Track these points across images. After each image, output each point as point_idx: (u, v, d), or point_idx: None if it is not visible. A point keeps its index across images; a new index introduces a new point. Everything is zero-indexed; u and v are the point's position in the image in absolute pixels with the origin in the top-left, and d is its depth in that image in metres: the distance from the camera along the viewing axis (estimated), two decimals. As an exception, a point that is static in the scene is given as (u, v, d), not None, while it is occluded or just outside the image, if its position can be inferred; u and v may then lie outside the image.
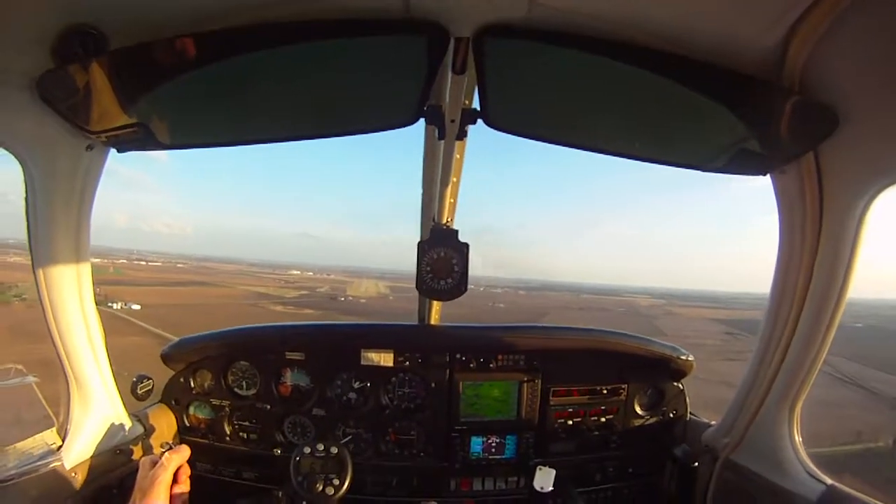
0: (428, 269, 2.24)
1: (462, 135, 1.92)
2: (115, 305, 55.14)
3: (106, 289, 64.42)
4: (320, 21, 1.43)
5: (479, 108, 1.80)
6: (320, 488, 2.12)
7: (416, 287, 2.26)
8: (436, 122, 1.84)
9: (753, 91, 1.62)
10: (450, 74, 1.58)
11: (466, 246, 2.25)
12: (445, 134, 1.89)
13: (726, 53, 1.52)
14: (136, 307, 55.38)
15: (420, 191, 2.41)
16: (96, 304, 2.15)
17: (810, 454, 2.20)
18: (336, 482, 2.15)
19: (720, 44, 1.52)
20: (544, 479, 2.51)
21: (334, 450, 2.21)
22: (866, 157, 1.68)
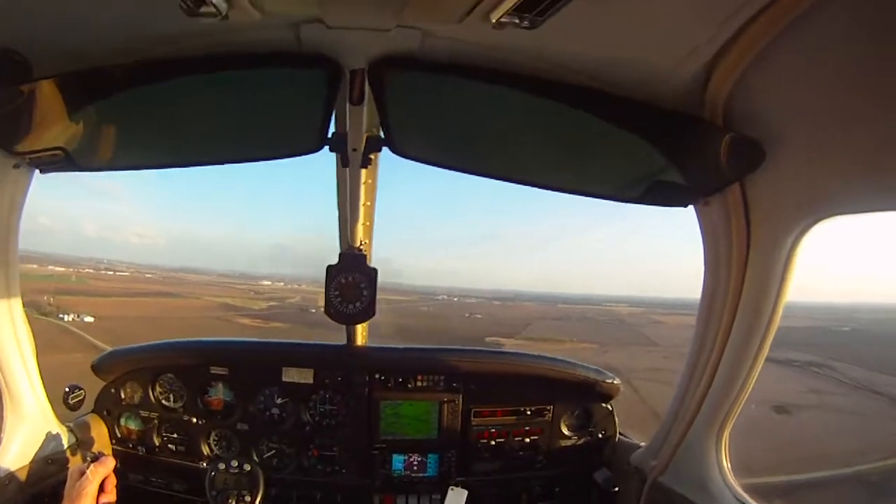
0: (336, 293, 2.34)
1: (366, 163, 1.96)
2: (66, 317, 51.19)
3: (61, 299, 60.67)
4: (219, 55, 1.51)
5: (383, 137, 1.86)
6: None
7: (325, 311, 2.40)
8: (339, 150, 1.90)
9: (674, 123, 1.62)
10: (347, 105, 1.62)
11: (375, 271, 2.34)
12: (349, 162, 1.94)
13: (643, 87, 1.53)
14: (90, 319, 51.74)
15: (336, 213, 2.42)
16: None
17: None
18: (248, 499, 2.25)
19: (635, 77, 1.52)
20: (455, 501, 2.60)
21: (247, 467, 2.33)
22: (794, 192, 1.68)
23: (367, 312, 2.36)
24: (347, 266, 2.36)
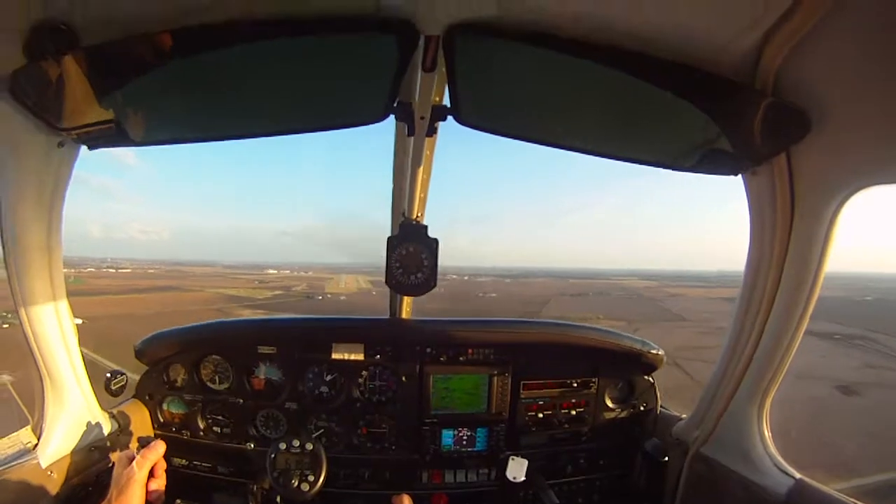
0: (397, 264, 2.27)
1: (432, 131, 1.95)
2: (51, 323, 47.15)
3: (54, 301, 57.28)
4: (291, 19, 1.47)
5: (449, 105, 1.82)
6: (296, 484, 2.16)
7: (386, 282, 2.29)
8: (405, 118, 1.86)
9: (727, 93, 1.65)
10: (420, 71, 1.60)
11: (436, 241, 2.29)
12: (415, 131, 1.91)
13: (700, 56, 1.56)
14: (77, 322, 47.13)
15: (391, 186, 2.46)
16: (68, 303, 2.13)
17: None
18: (311, 478, 2.19)
19: (694, 46, 1.54)
20: (517, 470, 2.54)
21: (309, 446, 2.25)
22: (837, 162, 1.71)
23: (428, 283, 2.26)
24: (408, 236, 2.26)
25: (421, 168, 2.21)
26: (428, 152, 2.16)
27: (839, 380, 30.39)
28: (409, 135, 1.93)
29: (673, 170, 2.03)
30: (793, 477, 2.10)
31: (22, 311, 2.03)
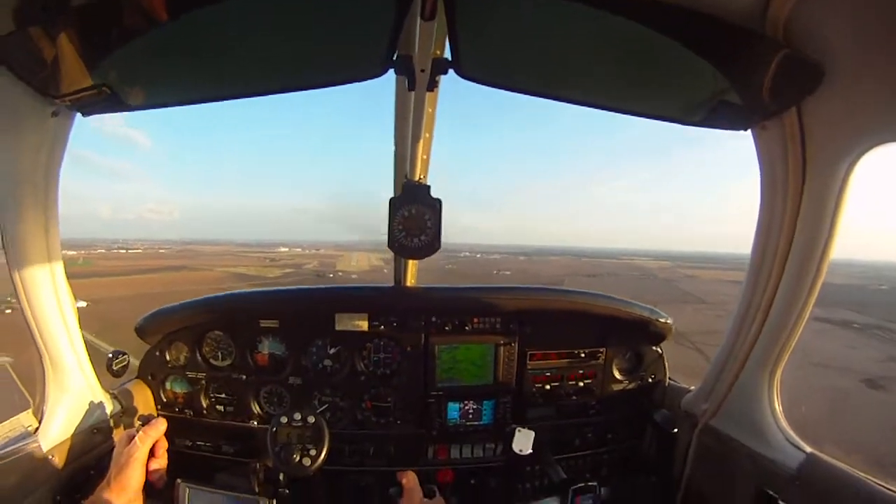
0: (400, 226, 2.25)
1: (433, 85, 1.88)
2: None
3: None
4: None
5: (450, 58, 1.75)
6: (297, 459, 2.09)
7: (388, 245, 2.27)
8: (405, 72, 1.80)
9: (736, 41, 1.60)
10: (419, 21, 1.54)
11: (439, 202, 2.26)
12: (416, 85, 1.85)
13: (710, 1, 1.51)
14: (82, 304, 46.08)
15: (393, 147, 2.39)
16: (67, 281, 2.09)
17: None
18: (313, 452, 2.13)
19: None
20: (523, 442, 2.49)
21: (311, 419, 2.19)
22: (851, 116, 1.66)
23: (432, 246, 2.24)
24: (411, 197, 2.22)
25: (423, 126, 2.13)
26: (430, 109, 2.09)
27: (864, 372, 29.80)
28: (409, 89, 1.83)
29: (682, 124, 1.93)
30: (804, 451, 2.05)
31: (21, 292, 1.99)
